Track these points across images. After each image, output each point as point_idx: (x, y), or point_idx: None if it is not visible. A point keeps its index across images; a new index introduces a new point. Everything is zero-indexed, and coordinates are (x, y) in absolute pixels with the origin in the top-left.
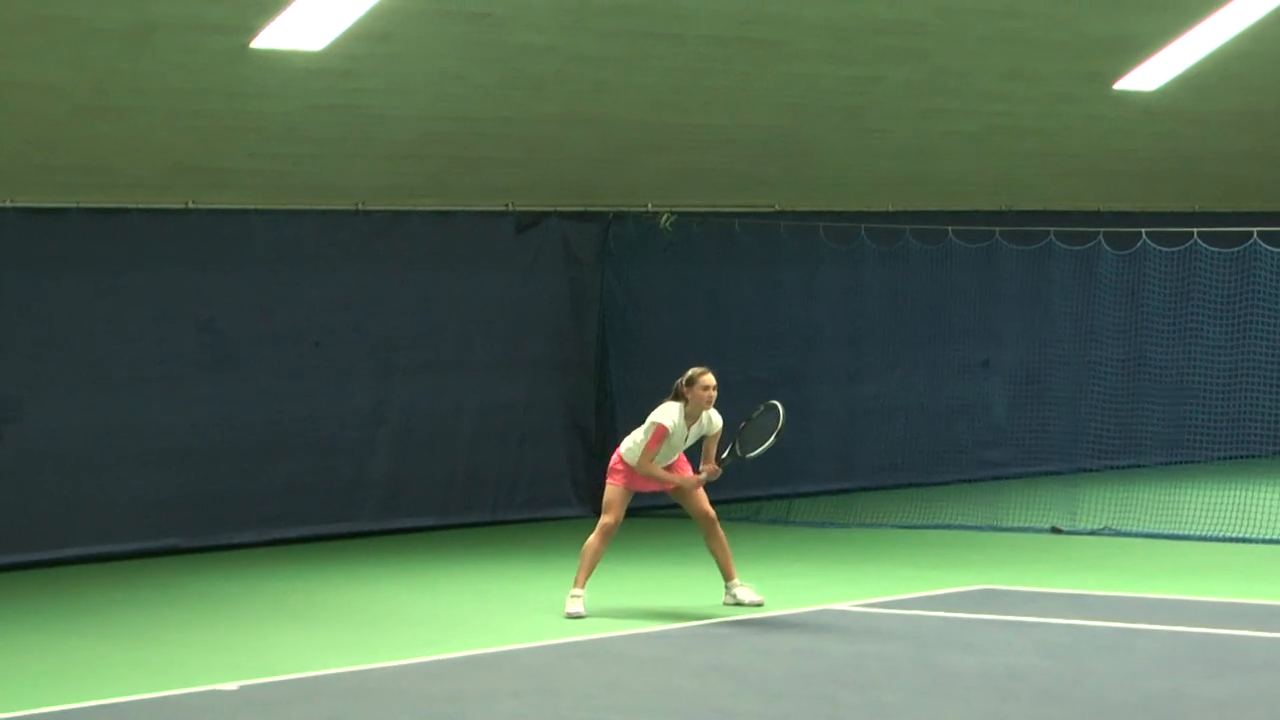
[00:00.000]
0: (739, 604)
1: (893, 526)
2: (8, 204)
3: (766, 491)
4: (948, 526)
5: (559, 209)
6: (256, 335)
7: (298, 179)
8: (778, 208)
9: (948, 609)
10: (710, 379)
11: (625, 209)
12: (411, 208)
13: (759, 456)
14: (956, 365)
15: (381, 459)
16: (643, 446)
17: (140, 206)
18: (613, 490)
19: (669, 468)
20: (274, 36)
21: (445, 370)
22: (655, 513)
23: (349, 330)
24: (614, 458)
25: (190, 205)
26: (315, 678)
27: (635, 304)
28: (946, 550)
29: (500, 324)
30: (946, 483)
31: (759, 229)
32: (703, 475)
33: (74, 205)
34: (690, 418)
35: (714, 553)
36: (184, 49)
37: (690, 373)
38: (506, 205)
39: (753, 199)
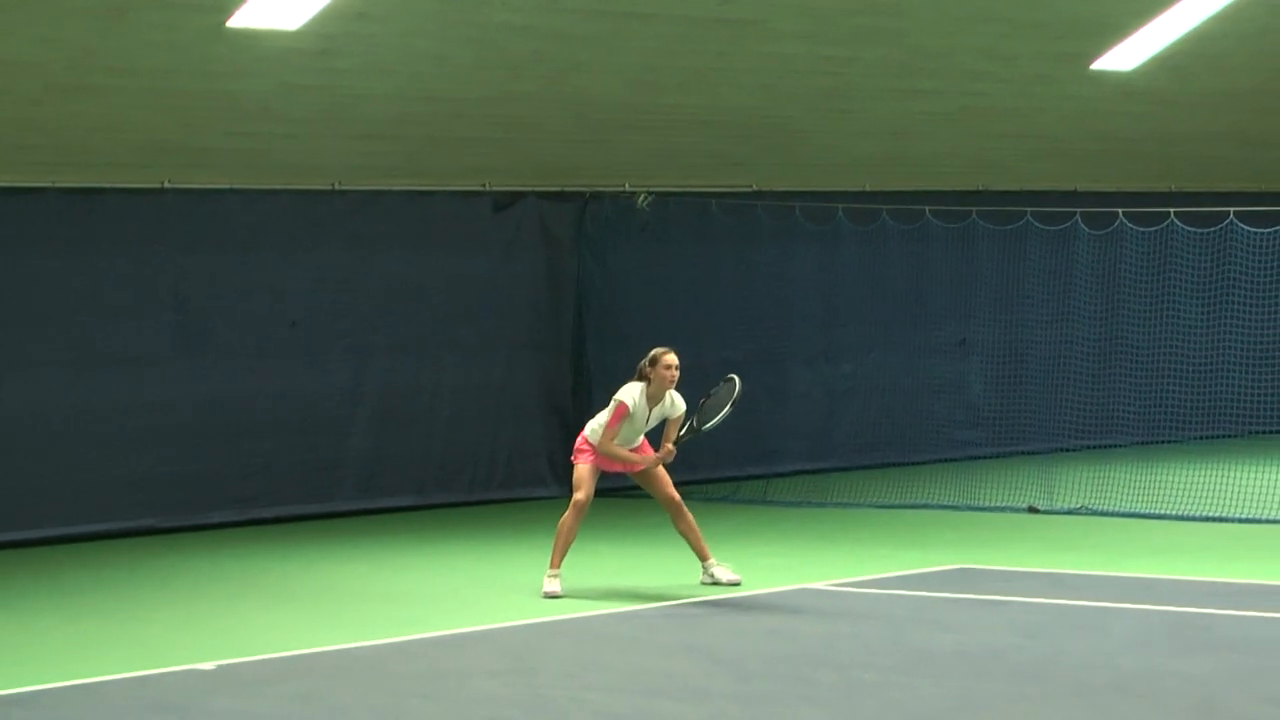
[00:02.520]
0: (716, 583)
1: (869, 506)
2: None
3: (743, 471)
4: (924, 506)
5: (536, 189)
6: (233, 315)
7: (274, 158)
8: (755, 188)
9: (924, 588)
10: (672, 359)
11: (602, 189)
12: (388, 187)
13: (714, 428)
14: (933, 345)
15: (359, 439)
16: (604, 426)
17: (116, 186)
18: (581, 468)
19: (632, 451)
20: (250, 15)
21: (422, 350)
22: (631, 493)
23: (326, 310)
24: (579, 438)
25: (166, 185)
26: (292, 657)
27: (612, 284)
28: (923, 530)
29: (477, 304)
30: (923, 462)
31: (736, 209)
32: (659, 455)
33: (50, 184)
34: (653, 399)
35: (685, 535)
36: (160, 27)
37: (653, 353)
38: (483, 185)
39: (730, 179)
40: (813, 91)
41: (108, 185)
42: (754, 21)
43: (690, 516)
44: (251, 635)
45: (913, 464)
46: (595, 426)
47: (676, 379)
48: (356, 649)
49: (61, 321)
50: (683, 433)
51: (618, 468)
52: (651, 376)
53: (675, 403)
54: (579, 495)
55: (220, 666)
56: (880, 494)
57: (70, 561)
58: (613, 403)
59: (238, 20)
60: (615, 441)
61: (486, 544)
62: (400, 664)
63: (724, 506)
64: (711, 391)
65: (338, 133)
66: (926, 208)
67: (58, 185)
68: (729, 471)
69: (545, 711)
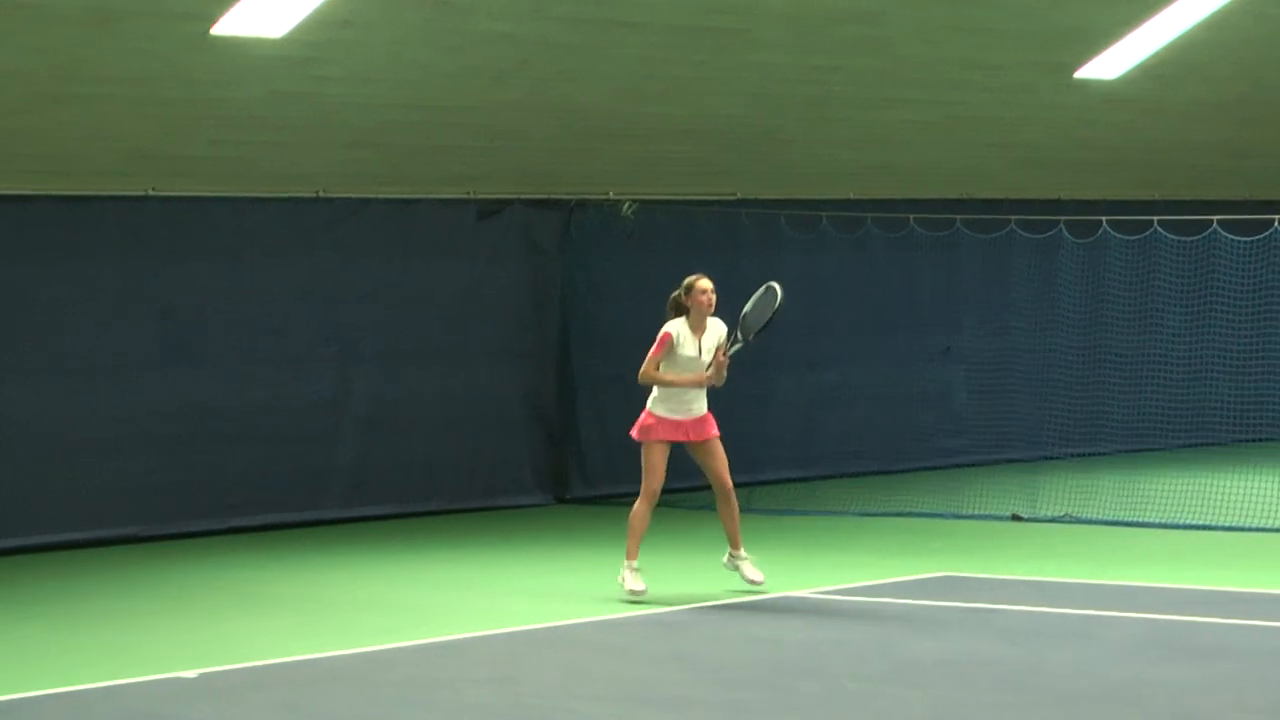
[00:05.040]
0: (737, 572)
1: (854, 514)
2: None
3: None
4: (909, 514)
5: (521, 197)
6: (218, 323)
7: (259, 166)
8: (739, 196)
9: (908, 596)
10: (707, 283)
11: (587, 197)
12: (373, 195)
13: (764, 335)
14: (918, 353)
15: (343, 447)
16: (645, 373)
17: (102, 194)
18: (645, 451)
19: (699, 421)
20: (235, 23)
21: (407, 358)
22: (620, 500)
23: (310, 318)
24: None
25: (151, 193)
26: (275, 665)
27: (597, 292)
28: (907, 538)
29: (462, 312)
30: (907, 470)
31: (720, 217)
32: (709, 373)
33: (35, 193)
34: (696, 329)
35: (723, 520)
36: (145, 36)
37: (686, 281)
38: (468, 193)
39: (714, 187)
40: (797, 100)
41: (93, 193)
42: (739, 31)
43: (735, 505)
44: (235, 644)
45: (897, 472)
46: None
47: (714, 302)
48: (341, 657)
49: (46, 330)
50: (733, 347)
51: (678, 435)
52: (689, 304)
53: (722, 329)
54: (651, 483)
55: (203, 675)
56: (864, 502)
57: (53, 569)
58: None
59: (222, 28)
60: (667, 376)
61: (471, 552)
62: (384, 673)
63: (708, 514)
64: (750, 303)
65: (323, 141)
66: (911, 216)
67: (43, 194)
68: None
69: None
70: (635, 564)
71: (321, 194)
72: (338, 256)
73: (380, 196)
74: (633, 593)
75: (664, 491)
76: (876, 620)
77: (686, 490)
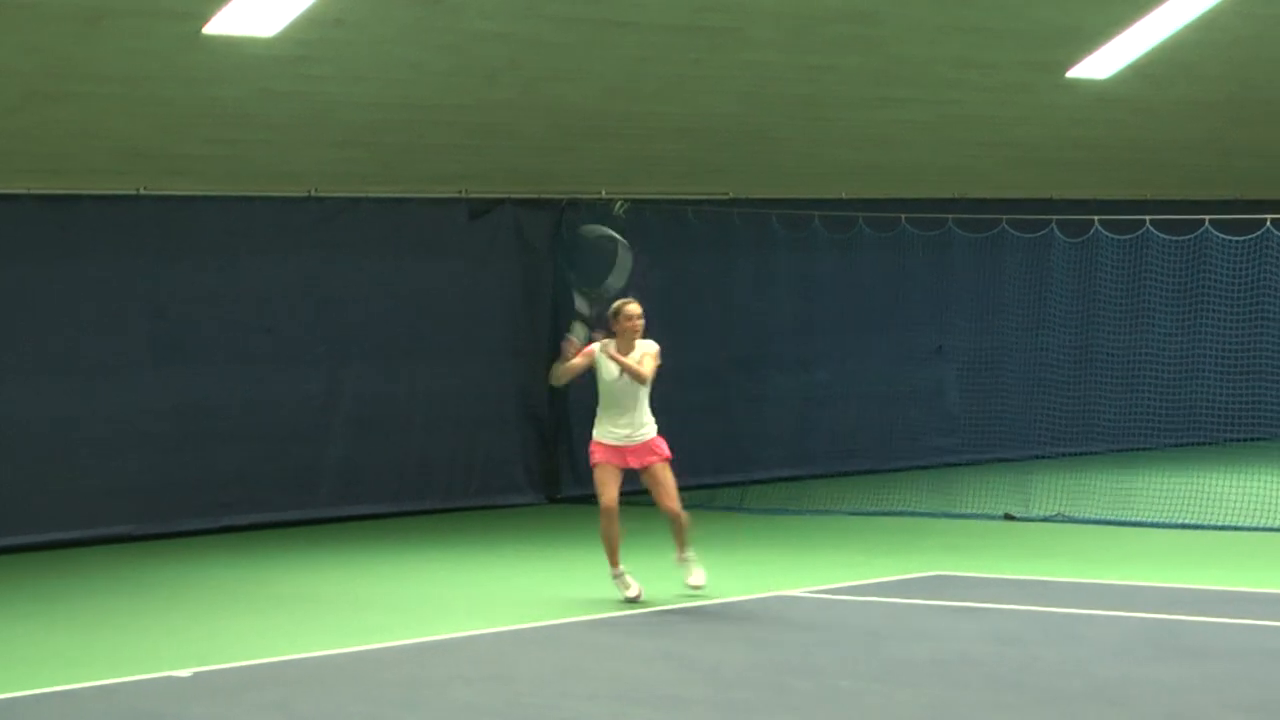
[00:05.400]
0: (682, 571)
1: (846, 513)
2: None
3: (720, 478)
4: (901, 513)
5: (512, 196)
6: (209, 322)
7: (250, 165)
8: (731, 195)
9: (900, 595)
10: (634, 309)
11: (579, 196)
12: (364, 194)
13: (616, 285)
14: (909, 352)
15: (335, 446)
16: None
17: (94, 193)
18: (595, 473)
19: (640, 449)
20: (226, 22)
21: (398, 357)
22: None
23: (302, 317)
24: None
25: (143, 191)
26: (269, 664)
27: None
28: (899, 537)
29: (453, 311)
30: (899, 469)
31: (713, 216)
32: (606, 344)
33: (27, 191)
34: (623, 351)
35: (674, 533)
36: (136, 35)
37: (614, 305)
38: (459, 192)
39: (707, 186)
40: (790, 99)
41: (85, 192)
42: (731, 29)
43: (684, 526)
44: (229, 642)
45: (889, 471)
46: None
47: (641, 328)
48: (334, 656)
49: (38, 329)
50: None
51: (628, 460)
52: (617, 329)
53: (648, 347)
54: (603, 500)
55: (197, 674)
56: (857, 501)
57: (46, 568)
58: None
59: (214, 27)
60: (603, 408)
61: (463, 551)
62: (377, 671)
63: (700, 514)
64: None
65: (315, 139)
66: (903, 215)
67: (35, 192)
68: (705, 478)
69: (522, 718)
70: (619, 570)
71: (313, 193)
72: (329, 255)
73: (372, 195)
74: (629, 599)
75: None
76: (869, 619)
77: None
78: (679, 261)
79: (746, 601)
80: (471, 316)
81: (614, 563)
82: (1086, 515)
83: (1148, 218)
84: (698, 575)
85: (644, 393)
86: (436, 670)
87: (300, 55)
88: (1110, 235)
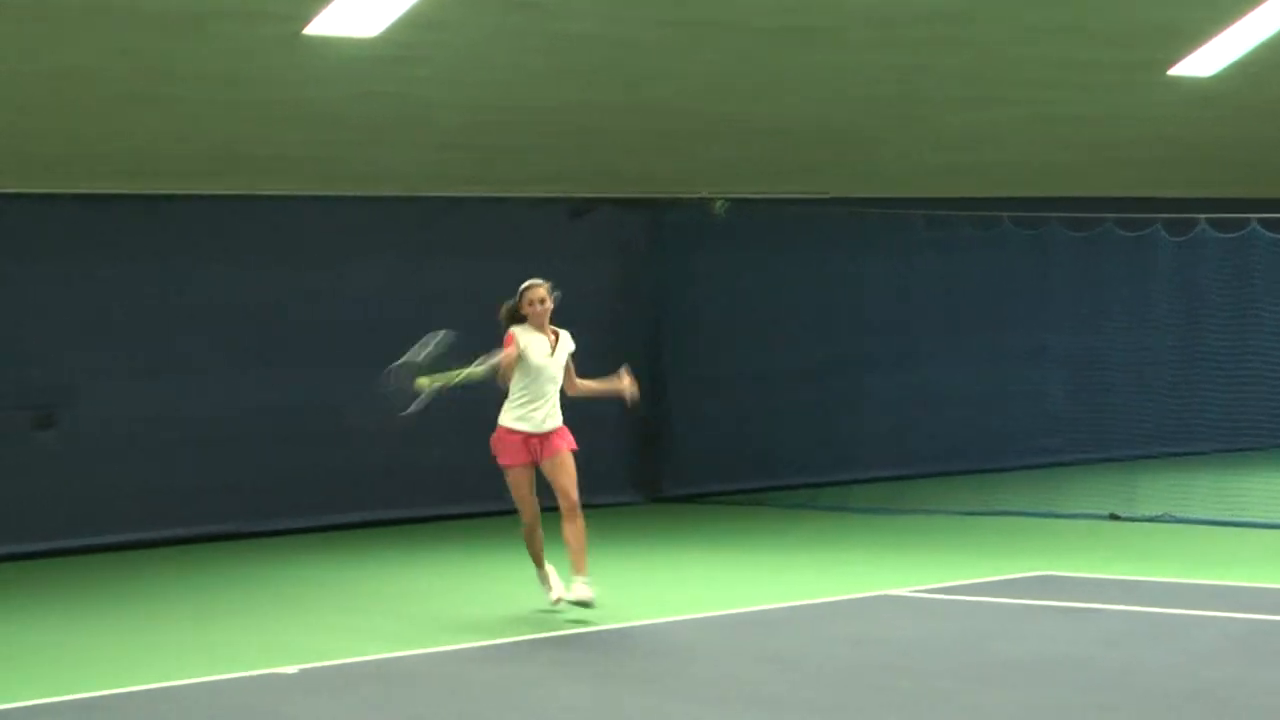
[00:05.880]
0: (577, 601)
1: (949, 513)
2: (61, 191)
3: (822, 478)
4: (1004, 513)
5: (611, 196)
6: (307, 322)
7: (349, 166)
8: (830, 194)
9: (1003, 595)
10: (539, 292)
11: (678, 195)
12: (463, 194)
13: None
14: (1012, 352)
15: (433, 446)
16: (498, 356)
17: (191, 193)
18: (507, 479)
19: (549, 436)
20: (327, 23)
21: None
22: (714, 499)
23: (401, 317)
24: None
25: (241, 192)
26: (371, 662)
27: (688, 291)
28: (1003, 537)
29: (554, 310)
30: (1002, 469)
31: (811, 216)
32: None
33: (126, 192)
34: (539, 329)
35: (568, 542)
36: (236, 36)
37: (521, 287)
38: (558, 192)
39: (805, 185)
40: (886, 99)
41: (183, 193)
42: (826, 29)
43: (582, 526)
44: (332, 640)
45: (992, 471)
46: (504, 407)
47: (549, 310)
48: (434, 654)
49: (136, 329)
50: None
51: (525, 456)
52: (522, 312)
53: (566, 339)
54: (525, 515)
55: (303, 671)
56: (960, 501)
57: (149, 567)
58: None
59: (314, 28)
60: (521, 394)
61: (563, 550)
62: (478, 670)
63: (803, 513)
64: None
65: (413, 140)
66: (1005, 214)
67: (133, 193)
68: (807, 478)
69: (624, 719)
70: (545, 571)
71: (412, 193)
72: (429, 256)
73: (470, 195)
74: (553, 602)
75: (755, 490)
76: (972, 619)
77: (775, 489)
78: (778, 260)
79: (849, 601)
80: (570, 316)
81: (540, 563)
82: (1192, 516)
83: (1254, 216)
84: (585, 590)
85: (559, 381)
86: (537, 669)
87: (400, 56)
88: (1216, 234)
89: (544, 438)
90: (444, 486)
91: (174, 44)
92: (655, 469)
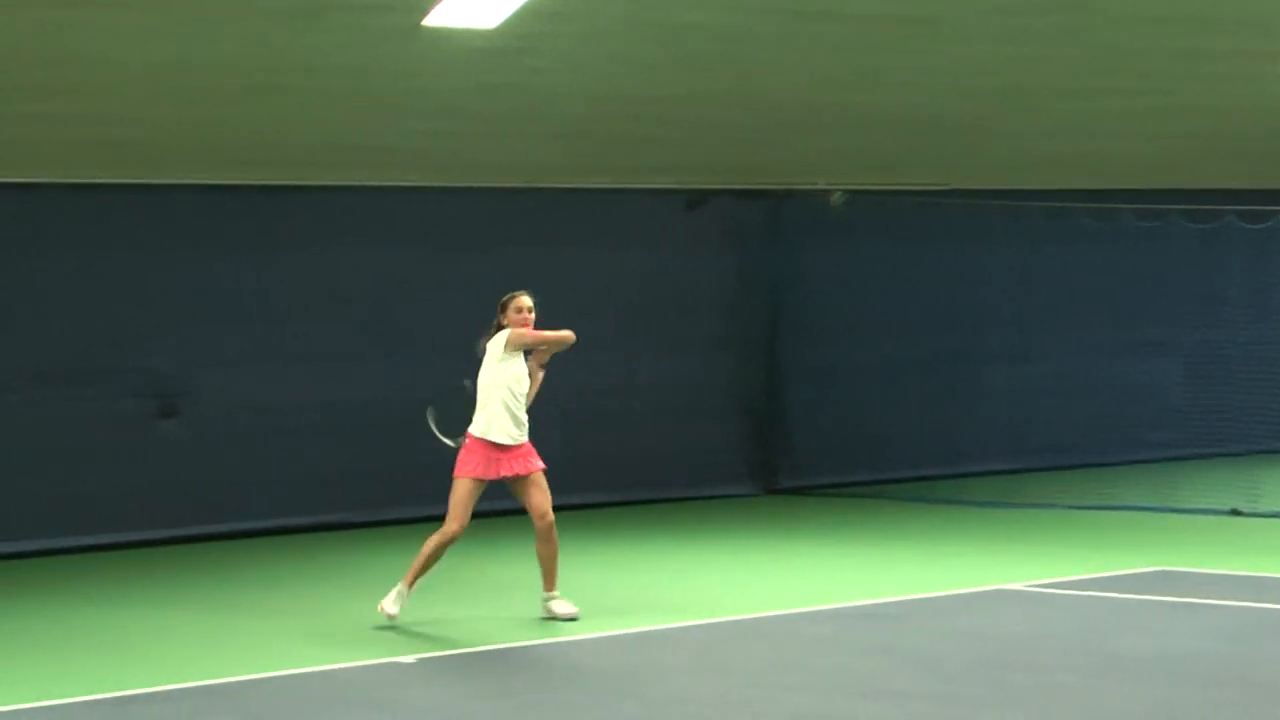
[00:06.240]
0: (554, 617)
1: (1066, 507)
2: (180, 181)
3: (936, 471)
4: (1123, 508)
5: (728, 187)
6: (426, 312)
7: (467, 156)
8: (948, 186)
9: (1122, 590)
10: (525, 300)
11: (795, 187)
12: (579, 185)
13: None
14: (1130, 345)
15: (551, 436)
16: (517, 336)
17: (311, 184)
18: (459, 488)
19: (519, 453)
20: (446, 15)
21: (614, 348)
22: (831, 491)
23: None
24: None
25: (360, 183)
26: (489, 651)
27: (804, 282)
28: (1121, 531)
29: (669, 302)
30: (1120, 463)
31: (929, 207)
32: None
33: (247, 183)
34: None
35: (540, 557)
36: (355, 27)
37: (504, 298)
38: (675, 183)
39: (923, 177)
40: (1003, 90)
41: (302, 184)
42: (943, 20)
43: (556, 543)
44: (449, 629)
45: (1110, 465)
46: (478, 419)
47: (532, 321)
48: (551, 644)
49: (257, 319)
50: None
51: (491, 471)
52: (505, 323)
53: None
54: (456, 525)
55: (420, 660)
56: (1077, 495)
57: (266, 555)
58: (504, 343)
59: (434, 19)
60: (498, 405)
61: (680, 542)
62: (595, 660)
63: (917, 506)
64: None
65: (531, 131)
66: (1125, 206)
67: (253, 183)
68: (922, 471)
69: (741, 710)
70: (403, 588)
71: (529, 184)
72: (545, 246)
73: (588, 186)
74: (390, 616)
75: (870, 483)
76: (1090, 614)
77: (889, 482)
78: (895, 252)
79: (965, 595)
80: (687, 307)
81: (412, 580)
82: None
83: None
84: (567, 606)
85: (531, 396)
86: (654, 660)
87: (518, 48)
88: None
89: (518, 453)
90: (558, 476)
91: (296, 36)
92: (771, 461)
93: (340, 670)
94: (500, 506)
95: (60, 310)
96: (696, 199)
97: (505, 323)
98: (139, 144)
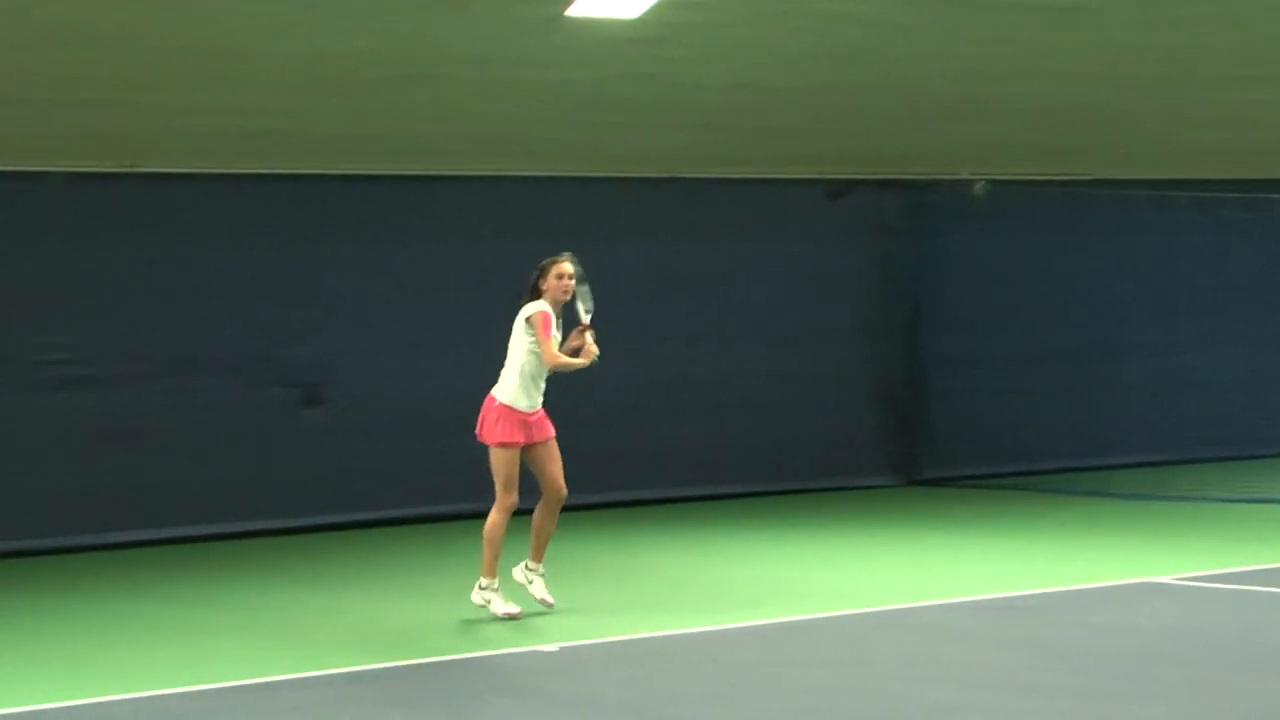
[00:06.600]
0: (528, 589)
1: (1214, 500)
2: (325, 172)
3: (1081, 463)
4: (1272, 500)
5: (871, 177)
6: (566, 303)
7: (609, 147)
8: (1092, 176)
9: (1274, 585)
10: (566, 266)
11: (937, 177)
12: (721, 175)
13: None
14: (1278, 336)
15: (692, 426)
16: (539, 342)
17: (452, 174)
18: (500, 459)
19: (540, 419)
20: (589, 5)
21: (754, 338)
22: (974, 482)
23: (657, 298)
24: (486, 412)
25: (501, 173)
26: (629, 641)
27: (947, 272)
28: (1271, 525)
29: (810, 292)
30: (1269, 456)
31: (1073, 197)
32: (593, 347)
33: (390, 173)
34: (555, 312)
35: (540, 527)
36: (498, 18)
37: (543, 262)
38: (816, 174)
39: (1066, 167)
40: (1148, 79)
41: (443, 174)
42: (1088, 9)
43: (557, 516)
44: (591, 619)
45: (1259, 458)
46: (505, 383)
47: (572, 290)
48: (693, 634)
49: (399, 309)
50: (587, 324)
51: (521, 437)
52: (544, 288)
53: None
54: (510, 497)
55: (563, 649)
56: (1224, 487)
57: (415, 543)
58: (527, 318)
59: (576, 10)
60: (529, 373)
61: (819, 533)
62: (734, 651)
63: (1061, 498)
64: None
65: (671, 122)
66: (1274, 196)
67: (396, 174)
68: (1066, 463)
69: (879, 702)
70: (496, 583)
71: (671, 174)
72: (686, 236)
73: (729, 177)
74: (509, 615)
75: (1013, 474)
76: (1241, 608)
77: (1033, 474)
78: (1038, 242)
79: (1111, 587)
80: (828, 297)
81: (493, 571)
82: None
83: None
84: (544, 592)
85: None
86: (793, 651)
87: (660, 37)
88: None
89: (538, 420)
90: (698, 467)
91: (437, 26)
92: (913, 452)
93: (484, 658)
94: (635, 497)
95: (213, 299)
96: (838, 189)
97: (544, 288)
98: (284, 135)
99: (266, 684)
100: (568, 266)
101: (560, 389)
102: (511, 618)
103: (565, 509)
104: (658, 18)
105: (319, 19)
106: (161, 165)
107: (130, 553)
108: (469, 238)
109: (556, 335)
